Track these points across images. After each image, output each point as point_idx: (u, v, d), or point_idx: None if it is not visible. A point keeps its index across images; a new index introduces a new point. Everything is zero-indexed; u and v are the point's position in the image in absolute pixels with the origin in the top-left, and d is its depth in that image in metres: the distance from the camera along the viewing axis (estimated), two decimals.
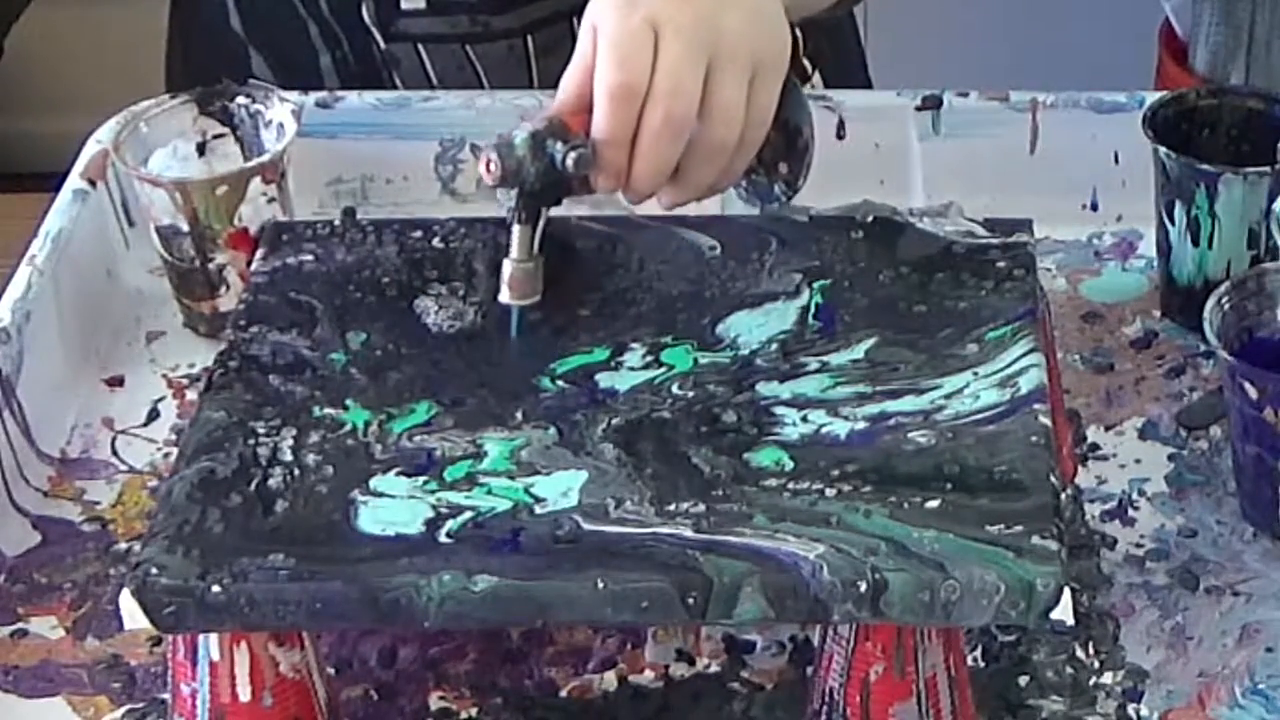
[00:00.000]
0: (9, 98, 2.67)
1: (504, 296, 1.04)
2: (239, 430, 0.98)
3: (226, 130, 1.25)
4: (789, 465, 0.95)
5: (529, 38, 1.37)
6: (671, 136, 1.02)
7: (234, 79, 1.37)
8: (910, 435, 0.96)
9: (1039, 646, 1.02)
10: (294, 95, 1.29)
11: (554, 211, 1.31)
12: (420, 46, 1.37)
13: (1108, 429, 1.15)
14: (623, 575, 0.89)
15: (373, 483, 0.95)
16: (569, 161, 1.01)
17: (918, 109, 1.31)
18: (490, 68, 1.37)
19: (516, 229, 1.03)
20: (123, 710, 1.02)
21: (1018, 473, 0.93)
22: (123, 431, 1.19)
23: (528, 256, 1.03)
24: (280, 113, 1.24)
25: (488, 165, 1.02)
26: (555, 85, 1.36)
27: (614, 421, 0.98)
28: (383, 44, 1.37)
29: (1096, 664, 1.02)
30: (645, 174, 1.03)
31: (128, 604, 0.90)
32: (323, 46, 1.38)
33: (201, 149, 1.25)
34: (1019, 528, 0.90)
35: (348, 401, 1.00)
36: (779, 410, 0.98)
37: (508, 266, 1.03)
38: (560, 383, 1.00)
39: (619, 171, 1.03)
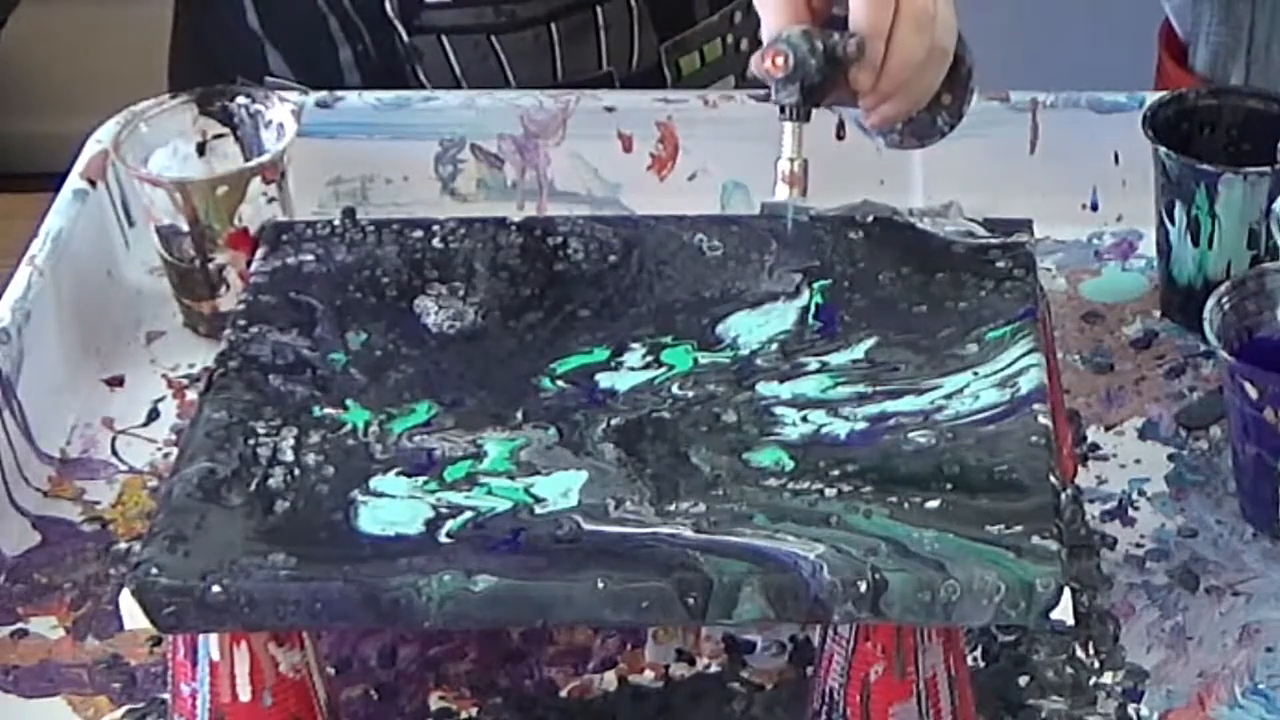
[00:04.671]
0: (9, 98, 2.67)
1: (780, 194, 1.09)
2: (239, 430, 0.98)
3: (226, 130, 1.25)
4: (789, 465, 0.95)
5: (553, 26, 1.37)
6: (923, 30, 1.07)
7: (249, 76, 1.38)
8: (910, 435, 0.96)
9: (1039, 646, 1.02)
10: (294, 95, 1.29)
11: (553, 211, 1.31)
12: (444, 38, 1.37)
13: (1108, 429, 1.15)
14: (623, 575, 0.89)
15: (373, 483, 0.95)
16: (850, 48, 1.06)
17: None
18: (514, 57, 1.37)
19: (790, 126, 1.08)
20: (123, 710, 1.02)
21: (1018, 473, 0.93)
22: (123, 431, 1.19)
23: (801, 153, 1.09)
24: (280, 113, 1.24)
25: (774, 59, 1.06)
26: (580, 73, 1.38)
27: (614, 421, 0.98)
28: (406, 37, 1.37)
29: (1096, 664, 1.02)
30: (899, 65, 1.07)
31: (128, 604, 0.90)
32: (343, 41, 1.38)
33: (201, 149, 1.25)
34: (1019, 528, 0.90)
35: (348, 401, 1.00)
36: (779, 410, 0.98)
37: (784, 165, 1.08)
38: (560, 383, 1.00)
39: (877, 65, 1.08)
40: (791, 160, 1.08)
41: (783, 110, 1.07)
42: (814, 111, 1.08)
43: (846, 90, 1.08)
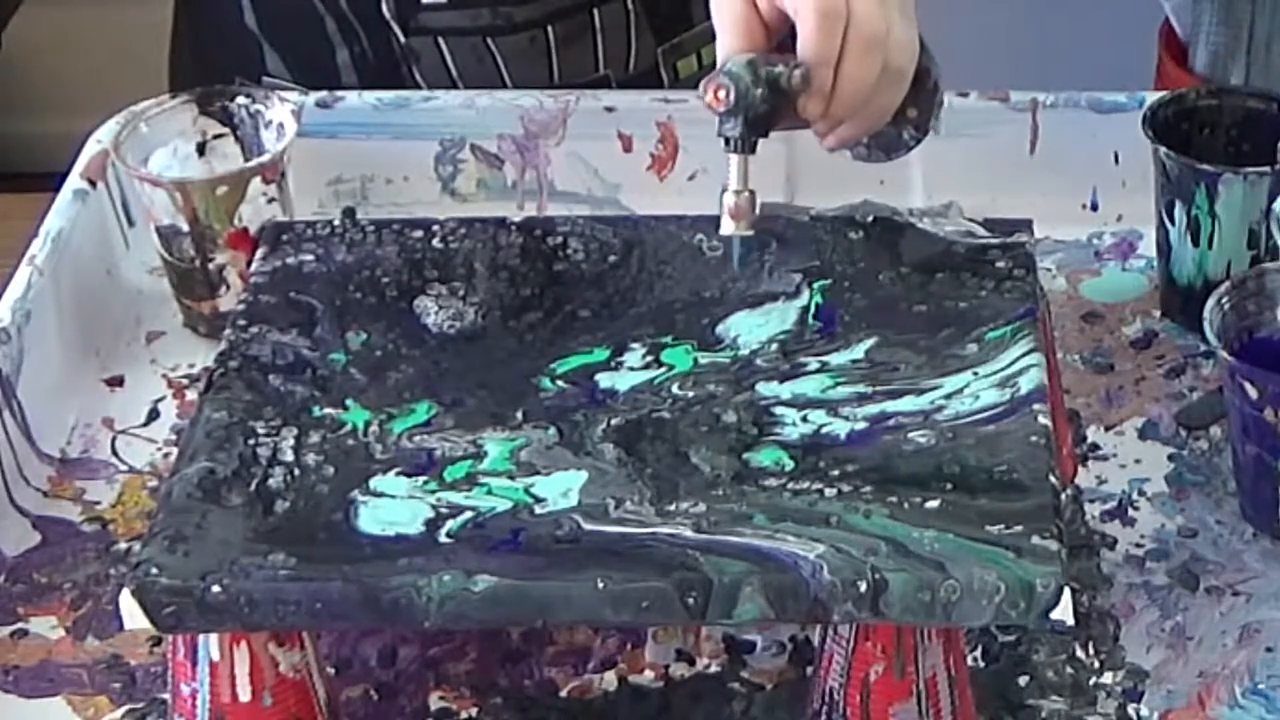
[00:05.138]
0: (9, 98, 2.67)
1: (726, 228, 1.05)
2: (239, 430, 0.98)
3: (226, 130, 1.25)
4: (789, 465, 0.95)
5: (550, 28, 1.37)
6: (873, 55, 1.05)
7: (248, 77, 1.37)
8: (910, 435, 0.96)
9: (1039, 646, 1.02)
10: (294, 95, 1.29)
11: (553, 211, 1.31)
12: (441, 40, 1.37)
13: (1108, 429, 1.15)
14: (623, 575, 0.89)
15: (373, 483, 0.95)
16: (795, 78, 1.03)
17: None
18: (511, 60, 1.37)
19: (735, 159, 1.04)
20: (123, 710, 1.02)
21: (1018, 473, 0.93)
22: (123, 431, 1.18)
23: (746, 186, 1.05)
24: (280, 113, 1.24)
25: (716, 92, 1.03)
26: (576, 76, 1.37)
27: (614, 421, 0.98)
28: (403, 38, 1.37)
29: (1096, 664, 1.02)
30: (849, 92, 1.05)
31: (128, 604, 0.90)
32: (340, 42, 1.38)
33: (201, 149, 1.25)
34: (1019, 528, 0.90)
35: (348, 401, 1.00)
36: (779, 410, 0.98)
37: (730, 198, 1.05)
38: (560, 383, 1.00)
39: (826, 92, 1.05)
40: (737, 193, 1.05)
41: (727, 143, 1.04)
42: (760, 143, 1.05)
43: (798, 117, 1.06)
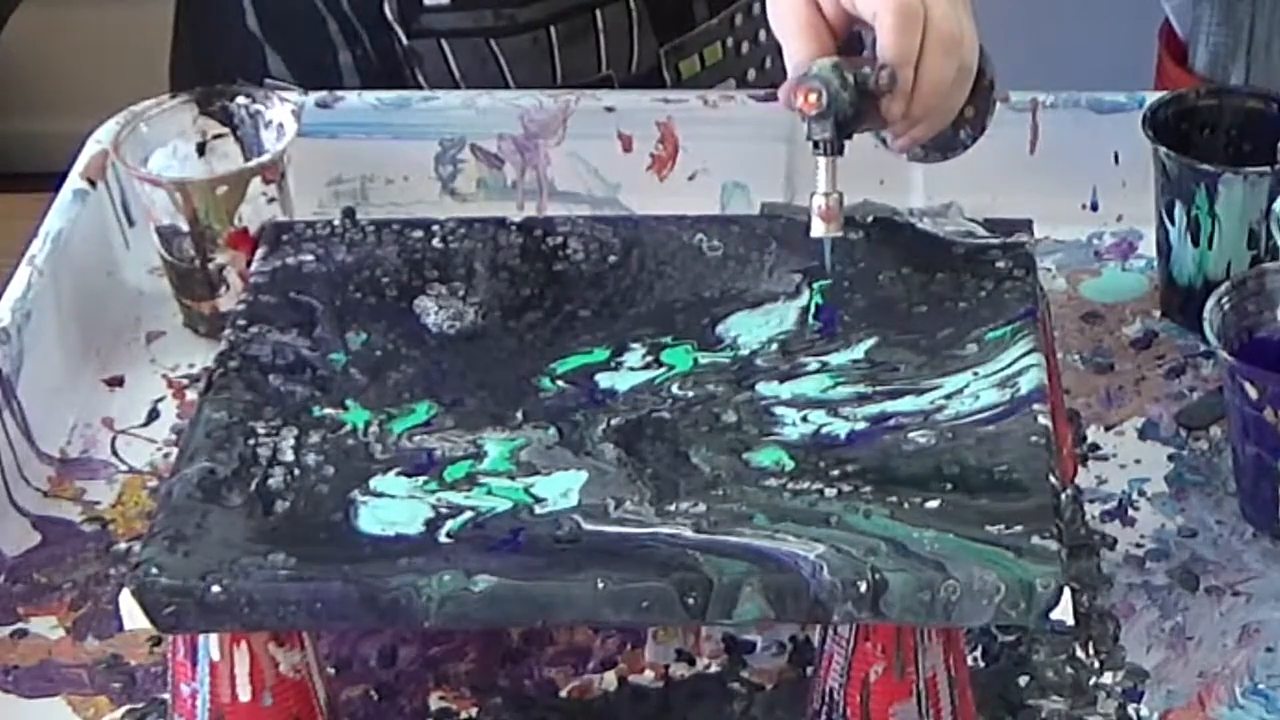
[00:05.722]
0: (9, 98, 2.67)
1: (817, 230, 1.06)
2: (239, 430, 0.98)
3: (226, 130, 1.25)
4: (789, 465, 0.95)
5: (552, 29, 1.37)
6: (951, 54, 1.06)
7: (249, 78, 1.37)
8: (910, 435, 0.96)
9: (1039, 646, 1.02)
10: (294, 95, 1.29)
11: (553, 211, 1.31)
12: (443, 42, 1.37)
13: (1108, 429, 1.15)
14: (623, 575, 0.89)
15: (373, 483, 0.95)
16: (882, 79, 1.04)
17: None
18: (514, 60, 1.37)
19: (824, 161, 1.05)
20: (123, 710, 1.02)
21: (1018, 473, 0.93)
22: (123, 431, 1.18)
23: (835, 188, 1.06)
24: (280, 113, 1.24)
25: (807, 96, 1.04)
26: (579, 76, 1.37)
27: (614, 421, 0.98)
28: (405, 40, 1.36)
29: (1096, 664, 1.02)
30: (929, 91, 1.06)
31: (128, 604, 0.90)
32: (342, 44, 1.38)
33: (201, 149, 1.25)
34: (1019, 528, 0.90)
35: (348, 401, 1.00)
36: (779, 410, 0.98)
37: (820, 200, 1.05)
38: (560, 383, 1.00)
39: (908, 92, 1.06)
40: (827, 195, 1.05)
41: (816, 146, 1.05)
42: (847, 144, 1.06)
43: (877, 118, 1.07)
